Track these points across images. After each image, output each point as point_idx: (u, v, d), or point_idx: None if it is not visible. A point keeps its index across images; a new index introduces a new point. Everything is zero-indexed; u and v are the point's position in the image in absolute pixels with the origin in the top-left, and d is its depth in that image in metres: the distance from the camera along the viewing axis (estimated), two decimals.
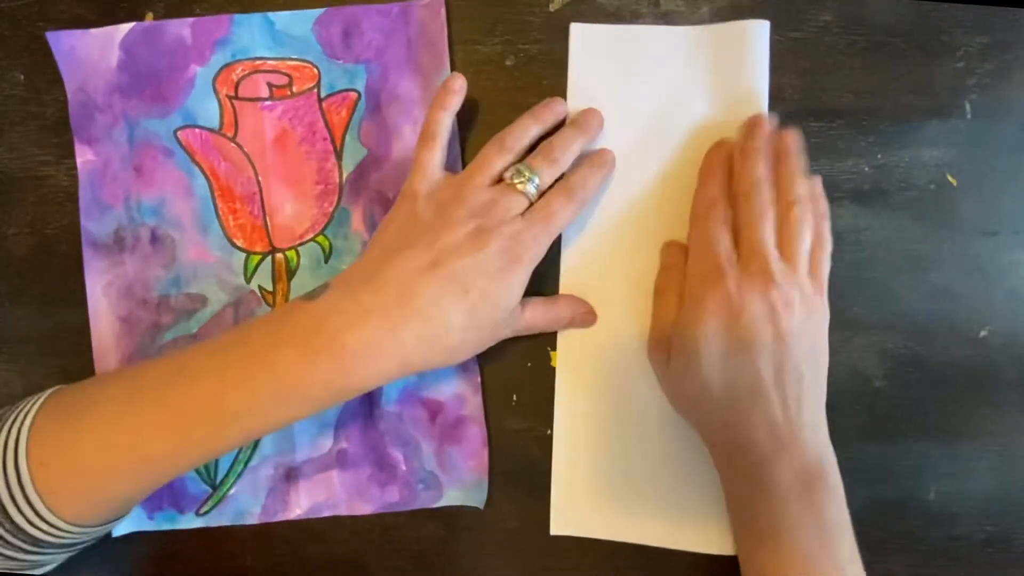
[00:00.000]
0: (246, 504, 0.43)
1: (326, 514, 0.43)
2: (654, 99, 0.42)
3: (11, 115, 0.43)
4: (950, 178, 0.42)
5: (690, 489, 0.42)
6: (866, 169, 0.42)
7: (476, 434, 0.43)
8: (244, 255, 0.43)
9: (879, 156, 0.42)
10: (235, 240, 0.43)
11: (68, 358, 0.43)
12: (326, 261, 0.43)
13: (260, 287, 0.43)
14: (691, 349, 0.37)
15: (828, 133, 0.42)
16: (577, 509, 0.42)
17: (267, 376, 0.34)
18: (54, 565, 0.39)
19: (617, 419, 0.42)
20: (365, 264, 0.37)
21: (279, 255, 0.43)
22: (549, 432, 0.43)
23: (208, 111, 0.42)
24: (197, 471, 0.43)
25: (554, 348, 0.43)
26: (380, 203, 0.43)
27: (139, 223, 0.43)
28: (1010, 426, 0.43)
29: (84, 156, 0.43)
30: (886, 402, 0.43)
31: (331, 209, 0.43)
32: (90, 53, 0.42)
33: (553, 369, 0.43)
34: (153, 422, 0.35)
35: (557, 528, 0.43)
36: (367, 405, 0.43)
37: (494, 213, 0.36)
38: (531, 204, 0.38)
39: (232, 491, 0.43)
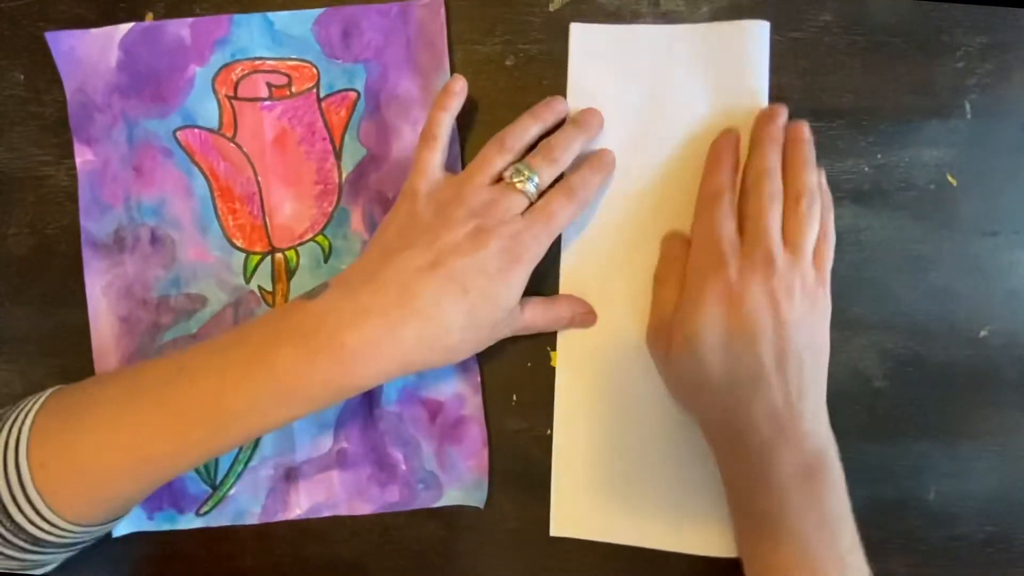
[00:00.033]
0: (246, 504, 0.43)
1: (326, 514, 0.43)
2: (654, 99, 0.42)
3: (11, 115, 0.43)
4: (950, 178, 0.42)
5: (690, 490, 0.42)
6: (866, 169, 0.42)
7: (476, 434, 0.43)
8: (244, 255, 0.43)
9: (879, 156, 0.42)
10: (235, 240, 0.43)
11: (68, 358, 0.43)
12: (325, 261, 0.43)
13: (260, 287, 0.43)
14: (692, 336, 0.37)
15: (828, 133, 0.42)
16: (577, 511, 0.42)
17: (266, 376, 0.34)
18: (54, 565, 0.39)
19: (617, 419, 0.42)
20: (365, 264, 0.37)
21: (278, 255, 0.43)
22: (549, 432, 0.43)
23: (207, 111, 0.42)
24: (197, 471, 0.43)
25: (554, 348, 0.43)
26: (379, 203, 0.43)
27: (139, 223, 0.43)
28: (1010, 426, 0.43)
29: (83, 156, 0.43)
30: (886, 402, 0.43)
31: (330, 209, 0.43)
32: (89, 53, 0.42)
33: (553, 369, 0.43)
34: (153, 422, 0.35)
35: (557, 530, 0.43)
36: (367, 405, 0.43)
37: (494, 213, 0.36)
38: (531, 203, 0.38)
39: (232, 491, 0.43)
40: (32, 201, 0.43)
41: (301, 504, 0.43)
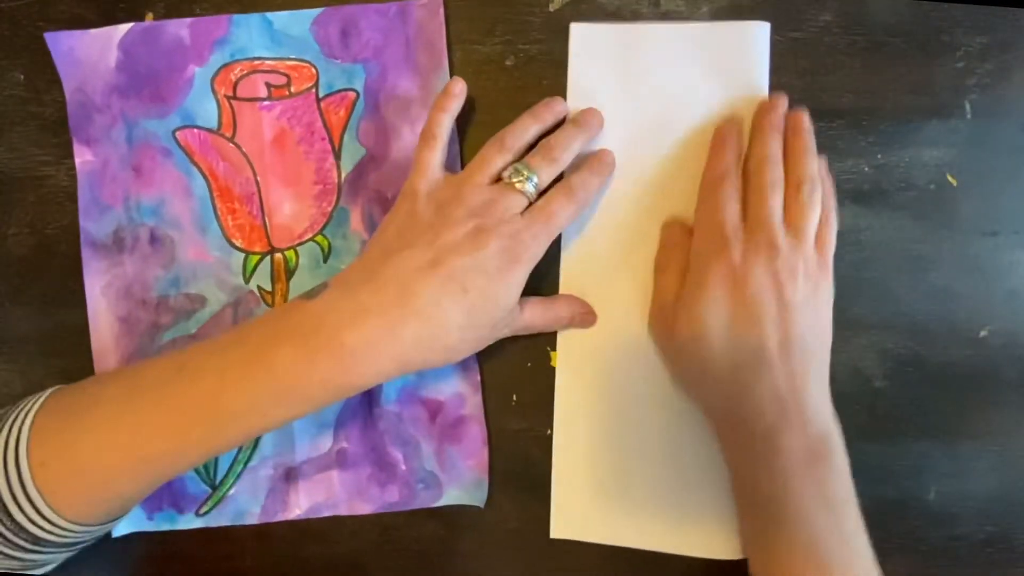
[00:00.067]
0: (246, 504, 0.43)
1: (326, 514, 0.43)
2: (654, 99, 0.42)
3: (11, 115, 0.43)
4: (950, 178, 0.42)
5: (690, 491, 0.42)
6: (866, 169, 0.42)
7: (476, 433, 0.43)
8: (243, 255, 0.43)
9: (879, 156, 0.42)
10: (234, 240, 0.43)
11: (68, 358, 0.43)
12: (325, 261, 0.43)
13: (259, 287, 0.43)
14: (695, 319, 0.37)
15: (828, 133, 0.42)
16: (577, 512, 0.42)
17: (266, 375, 0.34)
18: (54, 565, 0.39)
19: (617, 419, 0.42)
20: (364, 263, 0.37)
21: (278, 255, 0.43)
22: (549, 432, 0.43)
23: (207, 111, 0.42)
24: (196, 471, 0.43)
25: (554, 348, 0.43)
26: (379, 203, 0.43)
27: (138, 223, 0.43)
28: (1010, 426, 0.43)
29: (83, 156, 0.43)
30: (886, 402, 0.43)
31: (330, 209, 0.43)
32: (88, 54, 0.42)
33: (553, 369, 0.43)
34: (152, 421, 0.35)
35: (557, 531, 0.43)
36: (366, 405, 0.43)
37: (493, 212, 0.36)
38: (531, 203, 0.38)
39: (232, 491, 0.43)
40: (32, 201, 0.43)
41: (301, 504, 0.43)
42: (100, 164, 0.43)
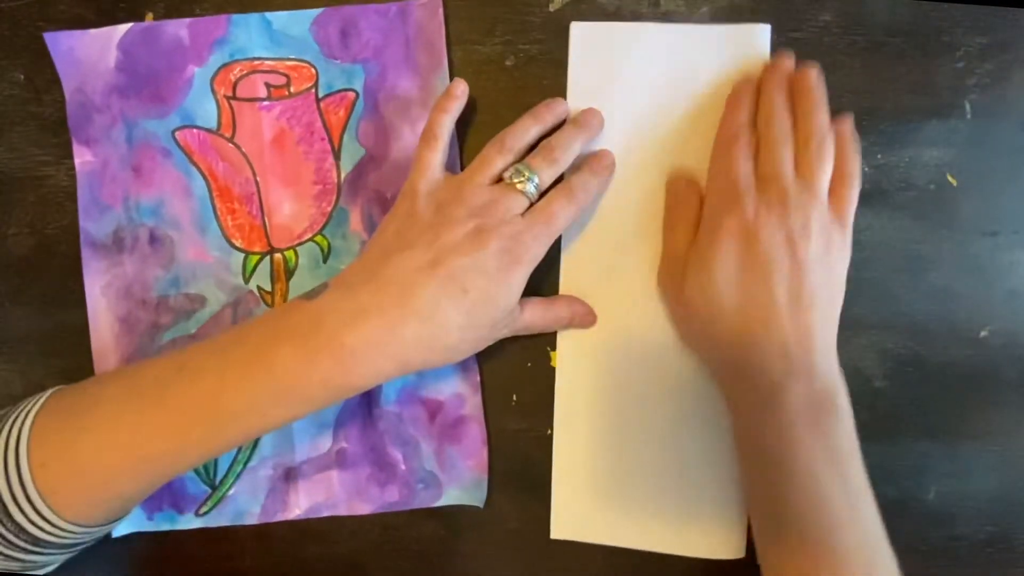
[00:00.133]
0: (245, 504, 0.43)
1: (325, 514, 0.43)
2: (654, 99, 0.42)
3: (11, 115, 0.43)
4: (950, 178, 0.42)
5: (691, 491, 0.42)
6: (866, 169, 0.42)
7: (476, 433, 0.43)
8: (242, 255, 0.43)
9: (879, 156, 0.42)
10: (233, 240, 0.43)
11: (68, 358, 0.43)
12: (324, 261, 0.43)
13: (259, 287, 0.43)
14: (706, 273, 0.37)
15: None
16: (577, 513, 0.42)
17: (266, 375, 0.34)
18: (55, 566, 0.39)
19: (617, 419, 0.42)
20: (364, 263, 0.37)
21: (277, 255, 0.43)
22: (549, 432, 0.43)
23: (206, 111, 0.42)
24: (196, 471, 0.43)
25: (554, 348, 0.43)
26: (378, 203, 0.43)
27: (138, 223, 0.43)
28: (1010, 426, 0.43)
29: (83, 157, 0.43)
30: (886, 402, 0.43)
31: (329, 209, 0.43)
32: (88, 54, 0.42)
33: (553, 369, 0.43)
34: (153, 421, 0.35)
35: (557, 532, 0.43)
36: (366, 405, 0.43)
37: (494, 213, 0.36)
38: (531, 204, 0.38)
39: (231, 491, 0.43)
40: (32, 201, 0.43)
41: (300, 504, 0.43)
42: (100, 164, 0.43)
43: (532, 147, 0.40)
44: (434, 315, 0.35)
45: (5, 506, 0.34)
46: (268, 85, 0.42)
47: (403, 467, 0.43)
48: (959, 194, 0.42)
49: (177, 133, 0.43)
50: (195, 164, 0.43)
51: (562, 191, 0.38)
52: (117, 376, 0.38)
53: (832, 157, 0.38)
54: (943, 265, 0.42)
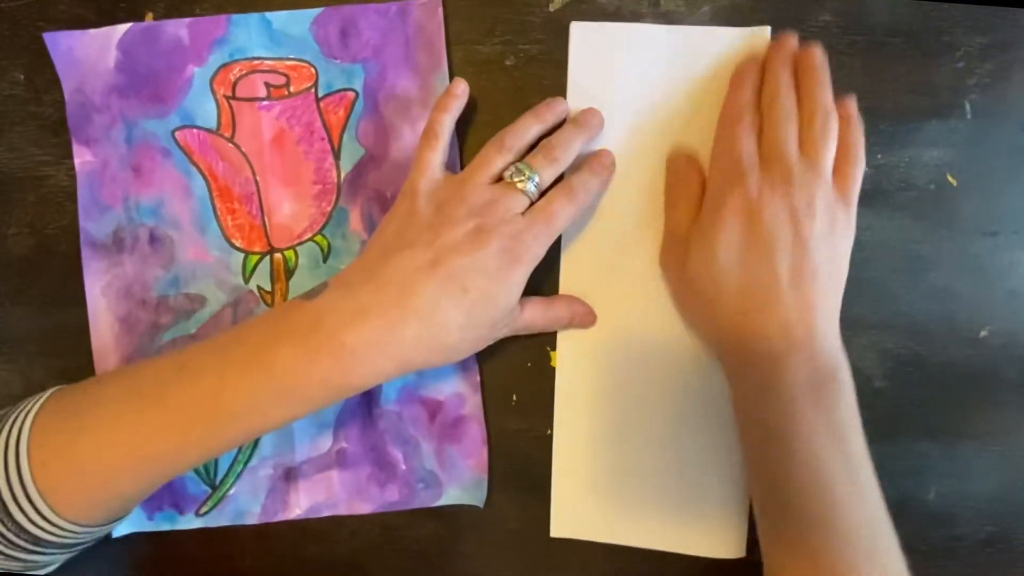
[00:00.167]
0: (246, 504, 0.43)
1: (326, 514, 0.43)
2: (654, 99, 0.42)
3: (11, 115, 0.43)
4: (950, 178, 0.42)
5: (690, 490, 0.42)
6: (866, 169, 0.42)
7: (476, 433, 0.43)
8: (242, 255, 0.43)
9: (879, 156, 0.42)
10: (233, 240, 0.43)
11: (68, 358, 0.43)
12: (324, 261, 0.43)
13: (259, 287, 0.43)
14: (708, 249, 0.37)
15: None
16: (577, 511, 0.43)
17: (266, 375, 0.34)
18: (55, 566, 0.39)
19: (617, 419, 0.42)
20: (364, 263, 0.37)
21: (277, 255, 0.43)
22: (549, 432, 0.43)
23: (206, 111, 0.42)
24: (196, 471, 0.43)
25: (554, 348, 0.43)
26: (378, 202, 0.43)
27: (138, 223, 0.43)
28: (1010, 426, 0.43)
29: (82, 157, 0.43)
30: (886, 402, 0.43)
31: (329, 209, 0.43)
32: (88, 54, 0.42)
33: (553, 369, 0.43)
34: (153, 421, 0.35)
35: (557, 531, 0.43)
36: (366, 404, 0.43)
37: (494, 212, 0.36)
38: (531, 203, 0.38)
39: (232, 491, 0.43)
40: (32, 201, 0.43)
41: (301, 504, 0.43)
42: (100, 164, 0.43)
43: (532, 147, 0.40)
44: (434, 315, 0.35)
45: (5, 505, 0.34)
46: (268, 85, 0.42)
47: (403, 467, 0.43)
48: (959, 194, 0.42)
49: (177, 133, 0.43)
50: (195, 164, 0.43)
51: (562, 190, 0.38)
52: (117, 376, 0.38)
53: (836, 135, 0.38)
54: (943, 265, 0.42)
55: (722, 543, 0.42)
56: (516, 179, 0.37)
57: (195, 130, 0.43)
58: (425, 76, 0.42)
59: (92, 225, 0.43)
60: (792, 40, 0.40)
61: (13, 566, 0.36)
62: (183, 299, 0.43)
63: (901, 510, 0.42)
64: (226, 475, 0.43)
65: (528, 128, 0.39)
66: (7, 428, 0.35)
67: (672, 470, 0.42)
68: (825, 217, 0.37)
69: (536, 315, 0.40)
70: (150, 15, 0.43)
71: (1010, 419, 0.43)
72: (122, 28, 0.42)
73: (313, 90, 0.43)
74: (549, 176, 0.38)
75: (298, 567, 0.44)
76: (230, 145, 0.43)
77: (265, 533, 0.43)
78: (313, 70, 0.42)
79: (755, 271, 0.37)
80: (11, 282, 0.43)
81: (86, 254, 0.43)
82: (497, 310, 0.36)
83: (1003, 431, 0.43)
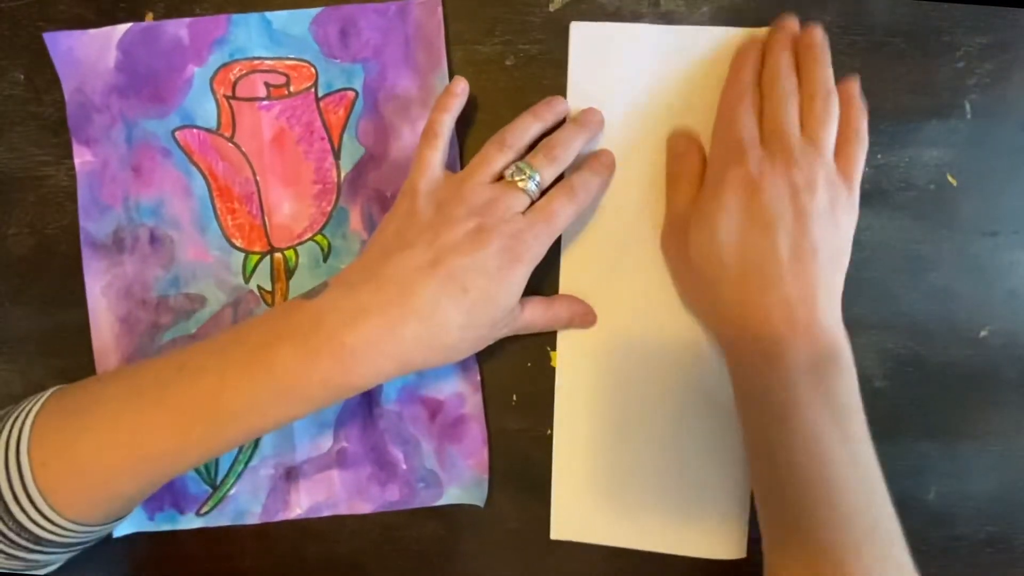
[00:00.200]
0: (246, 504, 0.43)
1: (326, 513, 0.43)
2: (654, 99, 0.42)
3: (11, 115, 0.43)
4: (950, 178, 0.42)
5: (691, 491, 0.42)
6: (866, 169, 0.41)
7: (476, 432, 0.43)
8: (243, 255, 0.43)
9: (879, 156, 0.42)
10: (234, 240, 0.43)
11: (68, 358, 0.43)
12: (325, 260, 0.43)
13: (259, 287, 0.43)
14: (708, 227, 0.37)
15: None
16: (577, 514, 0.43)
17: (266, 375, 0.34)
18: (56, 566, 0.39)
19: (617, 419, 0.42)
20: (364, 263, 0.37)
21: (278, 255, 0.43)
22: (549, 432, 0.43)
23: (206, 111, 0.42)
24: (197, 471, 0.43)
25: (554, 348, 0.43)
26: (378, 202, 0.43)
27: (138, 223, 0.43)
28: (1010, 426, 0.43)
29: (82, 157, 0.43)
30: (886, 402, 0.43)
31: (329, 208, 0.43)
32: (87, 54, 0.42)
33: (553, 369, 0.43)
34: (153, 421, 0.35)
35: (558, 533, 0.43)
36: (366, 404, 0.43)
37: (495, 211, 0.36)
38: (532, 202, 0.38)
39: (232, 491, 0.43)
40: (32, 201, 0.43)
41: (301, 504, 0.43)
42: (100, 164, 0.43)
43: (531, 146, 0.40)
44: (434, 314, 0.35)
45: (6, 504, 0.34)
46: (268, 85, 0.42)
47: (404, 466, 0.43)
48: (959, 194, 0.42)
49: (177, 133, 0.43)
50: (195, 164, 0.43)
51: (563, 190, 0.38)
52: (117, 375, 0.38)
53: (836, 114, 0.38)
54: (943, 265, 0.42)
55: (722, 544, 0.42)
56: (517, 178, 0.37)
57: (195, 130, 0.43)
58: (425, 76, 0.42)
59: (92, 225, 0.43)
60: (793, 22, 0.40)
61: (14, 565, 0.36)
62: (183, 299, 0.43)
63: (901, 510, 0.42)
64: (227, 475, 0.43)
65: (528, 127, 0.39)
66: (8, 428, 0.35)
67: (672, 470, 0.42)
68: (826, 195, 0.37)
69: (536, 315, 0.40)
70: (150, 15, 0.43)
71: (1010, 419, 0.43)
72: (122, 28, 0.42)
73: (313, 90, 0.43)
74: (550, 175, 0.38)
75: (298, 567, 0.44)
76: (230, 145, 0.43)
77: (265, 533, 0.43)
78: (313, 70, 0.42)
79: (755, 248, 0.36)
80: (11, 282, 0.43)
81: (86, 254, 0.43)
82: (497, 310, 0.36)
83: (1003, 431, 0.43)
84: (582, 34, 0.42)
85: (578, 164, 0.40)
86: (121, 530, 0.43)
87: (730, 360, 0.39)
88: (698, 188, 0.40)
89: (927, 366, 0.43)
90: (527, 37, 0.42)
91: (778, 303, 0.36)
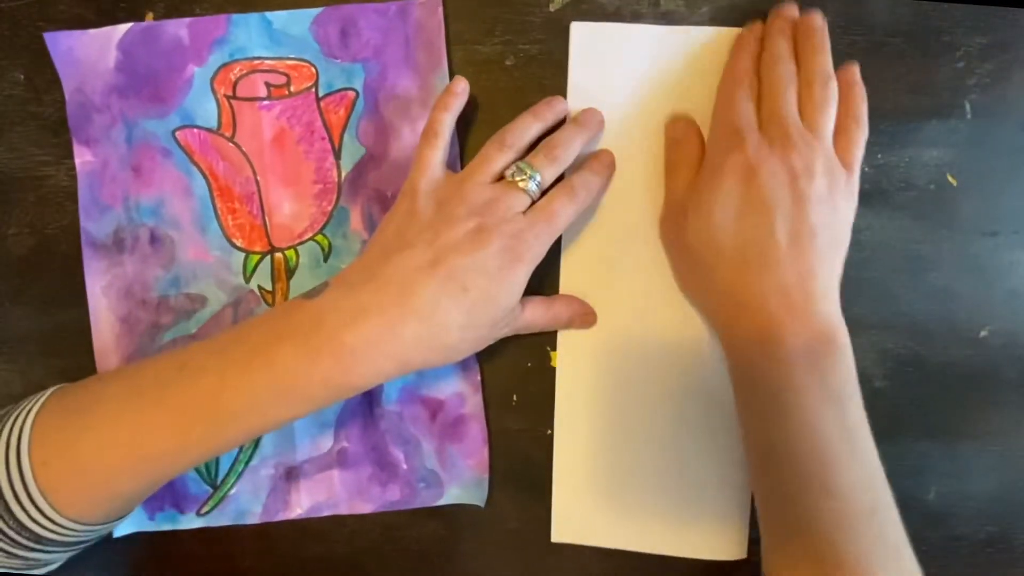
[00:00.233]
0: (247, 504, 0.43)
1: (327, 513, 0.43)
2: (654, 99, 0.42)
3: (11, 115, 0.43)
4: (950, 178, 0.42)
5: (691, 492, 0.42)
6: (866, 169, 0.42)
7: (476, 432, 0.43)
8: (243, 255, 0.43)
9: (879, 156, 0.42)
10: (234, 240, 0.43)
11: (68, 358, 0.43)
12: (325, 260, 0.43)
13: (259, 287, 0.43)
14: (706, 211, 0.37)
15: None
16: (578, 516, 0.43)
17: (266, 374, 0.34)
18: (56, 565, 0.39)
19: (618, 420, 0.42)
20: (364, 262, 0.37)
21: (278, 254, 0.43)
22: (549, 432, 0.43)
23: (206, 111, 0.42)
24: (198, 471, 0.43)
25: (554, 348, 0.43)
26: (379, 202, 0.43)
27: (138, 223, 0.43)
28: (1010, 426, 0.43)
29: (83, 157, 0.43)
30: (886, 402, 0.43)
31: (330, 208, 0.43)
32: (88, 54, 0.42)
33: (553, 369, 0.43)
34: (153, 420, 0.35)
35: (558, 535, 0.43)
36: (367, 404, 0.43)
37: (495, 211, 0.36)
38: (532, 202, 0.38)
39: (233, 491, 0.43)
40: (32, 201, 0.43)
41: (302, 504, 0.43)
42: (100, 164, 0.43)
43: (532, 146, 0.40)
44: (434, 314, 0.35)
45: (7, 504, 0.34)
46: (268, 84, 0.42)
47: (404, 466, 0.43)
48: (959, 194, 0.42)
49: (177, 133, 0.43)
50: (195, 164, 0.43)
51: (563, 190, 0.38)
52: (118, 375, 0.38)
53: (835, 100, 0.38)
54: (943, 265, 0.42)
55: (722, 544, 0.42)
56: (518, 178, 0.37)
57: (195, 130, 0.43)
58: (425, 76, 0.42)
59: (92, 225, 0.43)
60: (792, 8, 0.40)
61: (15, 564, 0.36)
62: (184, 299, 0.43)
63: (901, 510, 0.42)
64: (227, 475, 0.43)
65: (528, 126, 0.39)
66: (8, 427, 0.35)
67: (672, 470, 0.42)
68: (824, 179, 0.37)
69: (536, 314, 0.40)
70: (150, 15, 0.43)
71: (1010, 419, 0.43)
72: (122, 28, 0.42)
73: (313, 90, 0.43)
74: (550, 175, 0.38)
75: (299, 567, 0.44)
76: (230, 145, 0.43)
77: (266, 533, 0.43)
78: (313, 70, 0.42)
79: (753, 232, 0.36)
80: (11, 282, 0.43)
81: (86, 254, 0.43)
82: (498, 310, 0.36)
83: (1003, 431, 0.43)
84: (582, 34, 0.42)
85: (578, 164, 0.40)
86: (121, 530, 0.43)
87: (726, 345, 0.39)
88: (696, 174, 0.40)
89: (927, 366, 0.43)
90: (527, 37, 0.42)
91: (775, 287, 0.36)
